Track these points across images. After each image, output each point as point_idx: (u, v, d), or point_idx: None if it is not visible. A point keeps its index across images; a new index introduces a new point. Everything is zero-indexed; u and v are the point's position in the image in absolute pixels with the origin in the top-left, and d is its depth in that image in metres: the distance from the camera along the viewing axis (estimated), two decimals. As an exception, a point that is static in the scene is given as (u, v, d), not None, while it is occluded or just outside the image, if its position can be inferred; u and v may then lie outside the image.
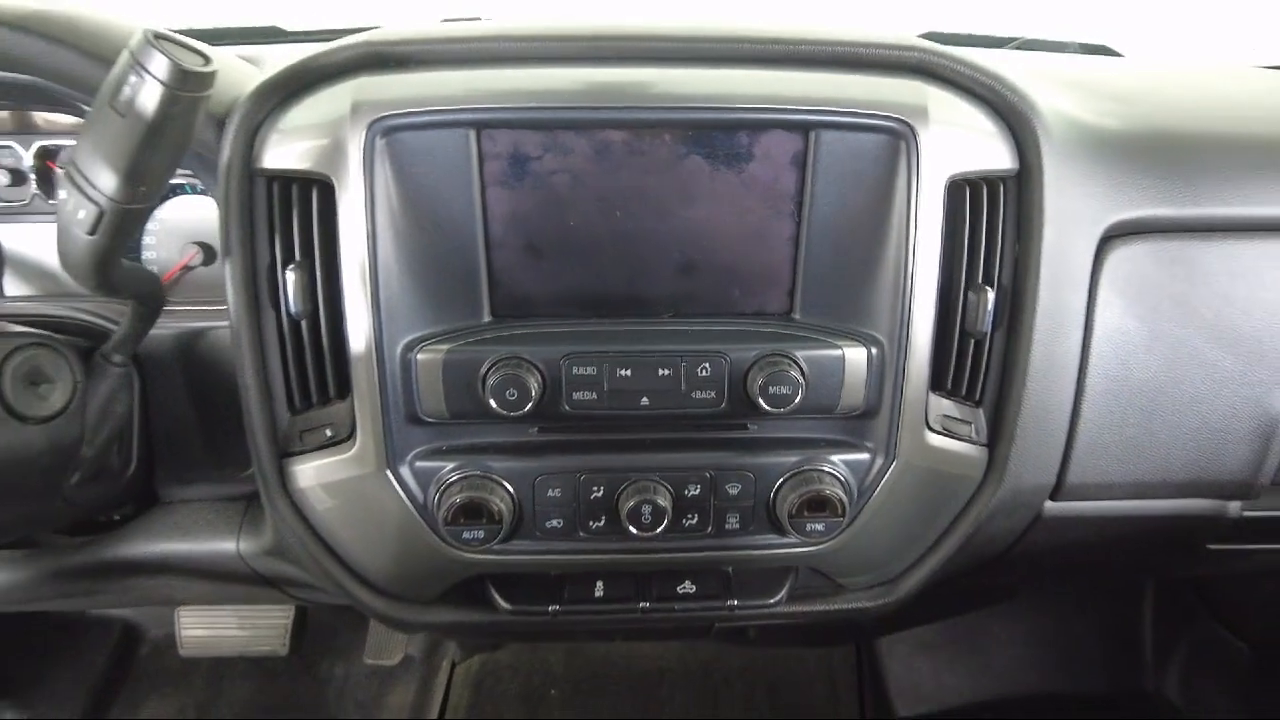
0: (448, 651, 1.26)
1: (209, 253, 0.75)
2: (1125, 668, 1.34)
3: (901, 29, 1.28)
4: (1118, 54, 1.22)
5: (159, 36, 0.46)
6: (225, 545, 0.69)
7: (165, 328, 0.65)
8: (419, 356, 0.57)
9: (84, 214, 0.48)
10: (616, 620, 0.68)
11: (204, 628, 1.25)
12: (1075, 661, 1.35)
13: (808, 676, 1.21)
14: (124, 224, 0.49)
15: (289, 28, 1.26)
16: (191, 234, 0.76)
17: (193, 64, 0.46)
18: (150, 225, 0.76)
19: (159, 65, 0.45)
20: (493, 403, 0.56)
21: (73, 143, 0.73)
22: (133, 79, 0.45)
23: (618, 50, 0.57)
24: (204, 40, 0.52)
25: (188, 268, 0.75)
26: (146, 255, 0.77)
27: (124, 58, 0.46)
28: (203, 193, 0.76)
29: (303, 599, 0.79)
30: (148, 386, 0.67)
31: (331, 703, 1.31)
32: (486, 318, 0.59)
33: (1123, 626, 1.35)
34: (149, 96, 0.45)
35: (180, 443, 0.69)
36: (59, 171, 0.76)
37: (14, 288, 0.79)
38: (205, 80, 0.47)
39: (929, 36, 1.27)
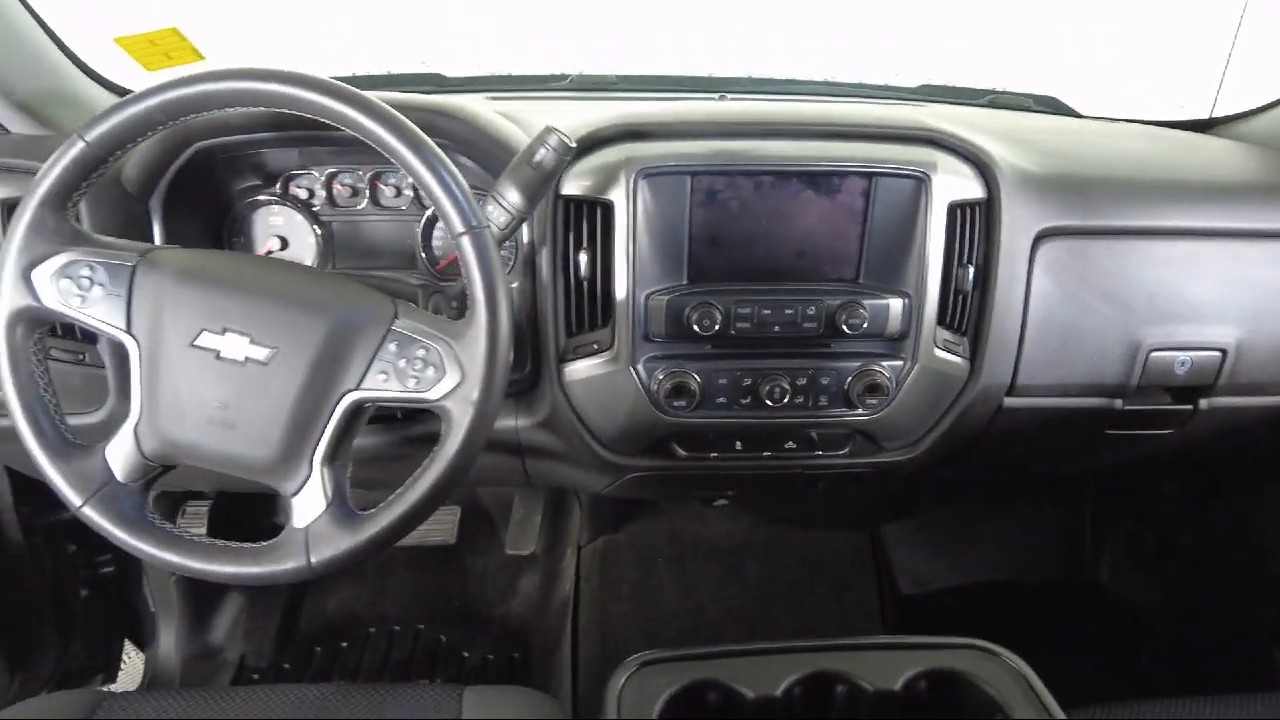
0: (570, 542, 1.69)
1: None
2: (1070, 560, 1.79)
3: (908, 78, 1.71)
4: (1067, 106, 1.64)
5: (552, 128, 0.89)
6: (506, 421, 1.11)
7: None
8: (651, 301, 1.00)
9: (503, 219, 0.90)
10: (748, 465, 1.11)
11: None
12: (1033, 555, 1.79)
13: (839, 556, 1.65)
14: (519, 226, 0.92)
15: (449, 75, 1.65)
16: (465, 232, 1.18)
17: (570, 143, 0.89)
18: (438, 224, 1.18)
19: (556, 142, 0.88)
20: (695, 328, 0.99)
21: (349, 166, 1.13)
22: (542, 150, 0.88)
23: (768, 130, 1.01)
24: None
25: (464, 253, 1.18)
26: (435, 244, 1.19)
27: (536, 137, 0.88)
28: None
29: (534, 471, 1.20)
30: None
31: (475, 587, 1.74)
32: (685, 281, 1.02)
33: (1068, 529, 1.79)
34: (550, 158, 0.88)
35: None
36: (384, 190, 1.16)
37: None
38: (573, 151, 0.90)
39: (925, 87, 1.72)
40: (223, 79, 0.79)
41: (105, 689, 1.60)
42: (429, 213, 1.15)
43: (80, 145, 0.80)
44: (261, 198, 1.14)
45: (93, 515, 0.82)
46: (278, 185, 1.14)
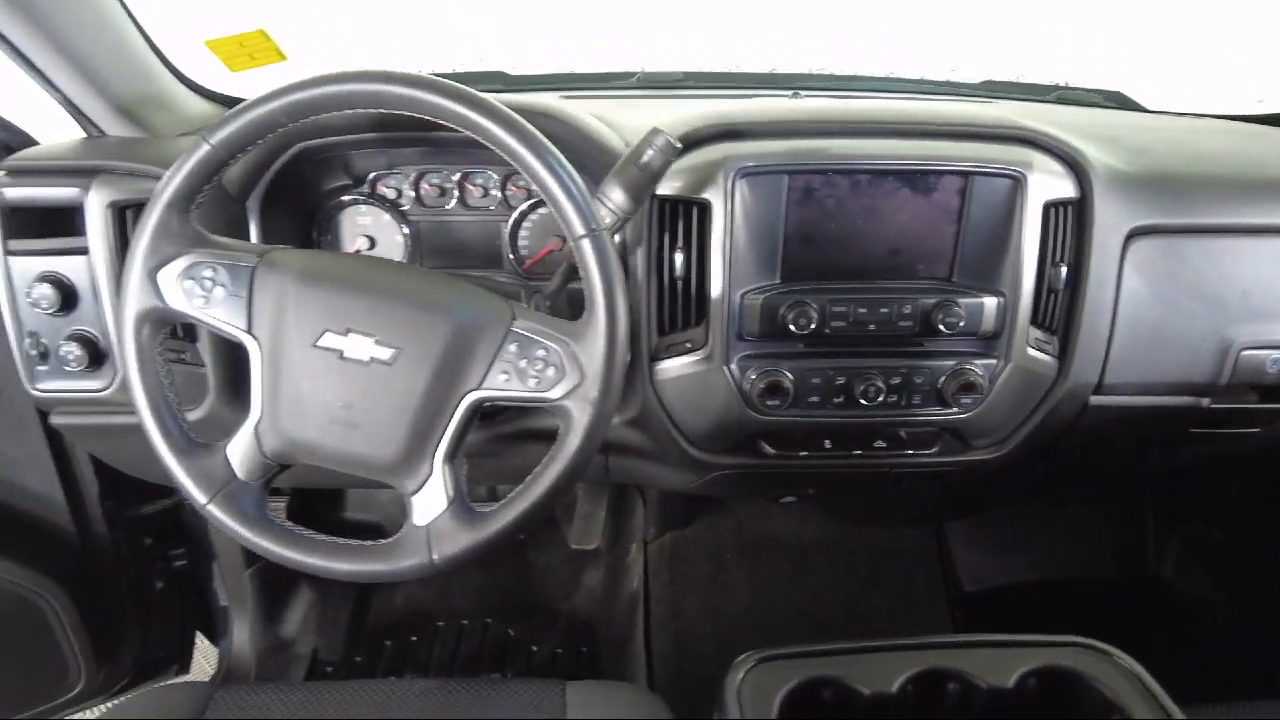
0: (634, 538, 1.70)
1: (565, 243, 1.18)
2: (1131, 558, 1.78)
3: (966, 75, 1.70)
4: (1134, 101, 1.63)
5: (659, 130, 0.90)
6: None
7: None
8: (746, 300, 1.01)
9: (610, 220, 0.91)
10: (837, 464, 1.12)
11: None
12: (1095, 554, 1.79)
13: (903, 554, 1.66)
14: (623, 227, 0.93)
15: (512, 73, 1.66)
16: (551, 230, 1.19)
17: (676, 144, 0.90)
18: (525, 225, 1.20)
19: (663, 144, 0.89)
20: (791, 327, 0.99)
21: (437, 167, 1.15)
22: (649, 151, 0.89)
23: (865, 129, 1.02)
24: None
25: (551, 252, 1.19)
26: (521, 244, 1.21)
27: (643, 139, 0.89)
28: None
29: (615, 468, 1.21)
30: None
31: (539, 582, 1.75)
32: (778, 279, 1.03)
33: (1130, 527, 1.78)
34: (657, 160, 0.89)
35: None
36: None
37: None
38: (678, 153, 0.91)
39: (988, 83, 1.70)
40: (344, 81, 0.80)
41: (182, 680, 1.63)
42: (516, 214, 1.16)
43: (205, 148, 0.82)
44: (349, 198, 1.16)
45: (216, 512, 0.84)
46: (365, 185, 1.16)
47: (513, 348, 0.81)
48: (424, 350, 0.81)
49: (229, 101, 1.33)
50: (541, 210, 1.17)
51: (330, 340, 0.81)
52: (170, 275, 0.82)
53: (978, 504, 1.63)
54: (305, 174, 1.12)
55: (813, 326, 1.00)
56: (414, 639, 1.65)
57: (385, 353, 0.81)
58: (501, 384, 0.81)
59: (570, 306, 1.10)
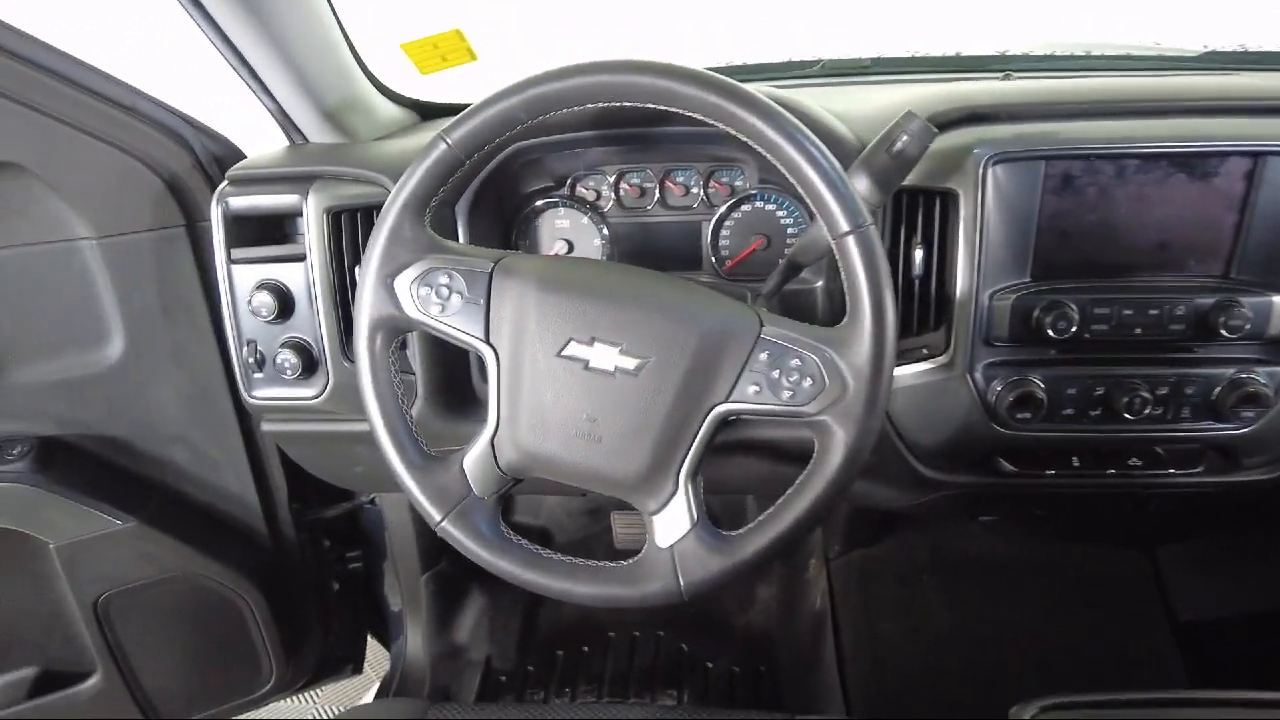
0: (810, 553, 1.61)
1: (769, 242, 1.12)
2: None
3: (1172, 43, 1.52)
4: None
5: (913, 114, 0.82)
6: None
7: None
8: (995, 301, 0.92)
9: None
10: (1085, 485, 1.01)
11: (627, 529, 1.65)
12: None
13: (1115, 576, 1.51)
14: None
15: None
16: (754, 229, 1.12)
17: (933, 130, 0.82)
18: (727, 224, 1.14)
19: (919, 128, 0.81)
20: (1049, 331, 0.89)
21: (638, 166, 1.10)
22: (904, 138, 0.81)
23: (1131, 108, 0.91)
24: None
25: (755, 251, 1.13)
26: (723, 244, 1.14)
27: (895, 124, 0.81)
28: (766, 199, 1.12)
29: None
30: None
31: (711, 597, 1.69)
32: (1028, 277, 0.93)
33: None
34: (913, 147, 0.80)
35: None
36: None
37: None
38: (935, 138, 0.82)
39: (1211, 55, 1.51)
40: (592, 72, 0.75)
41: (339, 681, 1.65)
42: (718, 213, 1.10)
43: (442, 148, 0.78)
44: (549, 200, 1.13)
45: (452, 531, 0.80)
46: (565, 187, 1.12)
47: (763, 356, 0.74)
48: (671, 360, 0.75)
49: (415, 105, 1.32)
50: (744, 208, 1.11)
51: (575, 350, 0.77)
52: (405, 282, 0.80)
53: (1214, 527, 1.47)
54: (511, 176, 1.09)
55: (1072, 330, 0.89)
56: (585, 650, 1.61)
57: (631, 363, 0.76)
58: (751, 396, 0.75)
59: (781, 306, 1.03)
